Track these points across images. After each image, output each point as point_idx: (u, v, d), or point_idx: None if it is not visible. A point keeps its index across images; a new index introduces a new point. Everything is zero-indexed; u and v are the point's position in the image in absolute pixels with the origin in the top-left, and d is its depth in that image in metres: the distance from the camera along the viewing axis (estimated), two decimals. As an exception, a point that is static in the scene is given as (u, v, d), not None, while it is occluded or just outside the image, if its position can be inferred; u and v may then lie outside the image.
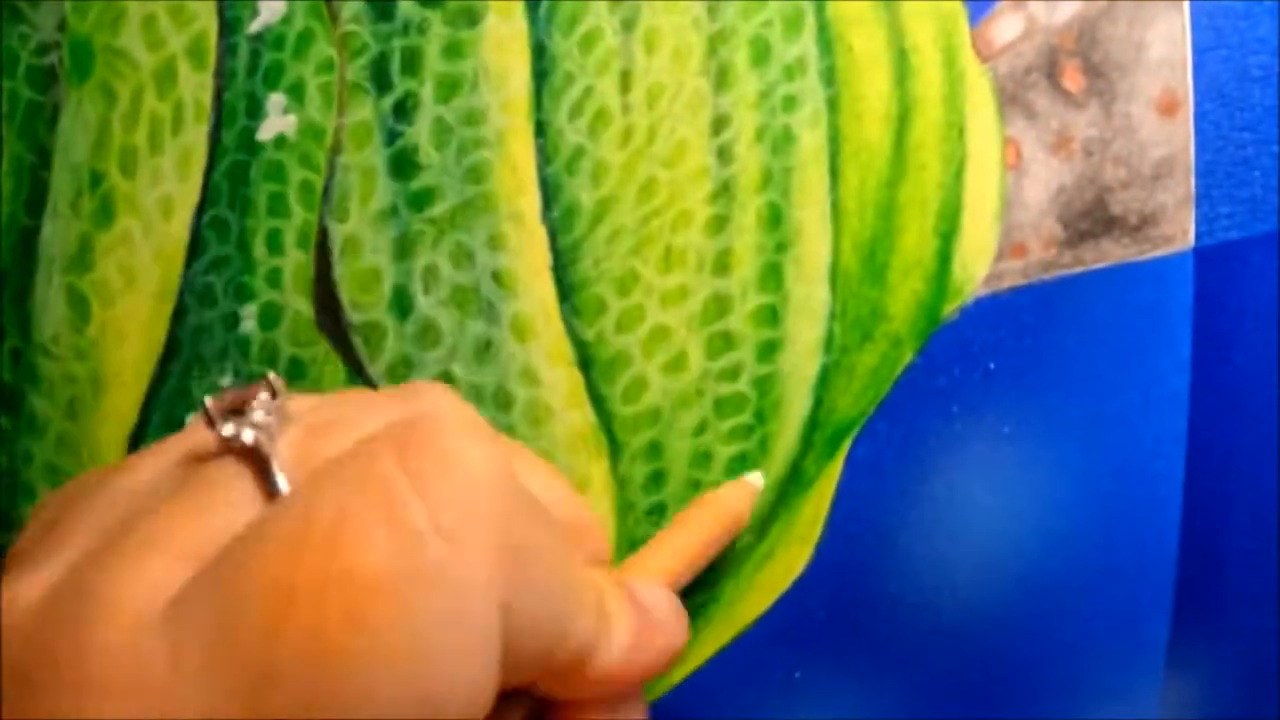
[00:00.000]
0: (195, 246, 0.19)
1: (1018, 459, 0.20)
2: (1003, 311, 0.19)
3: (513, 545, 0.11)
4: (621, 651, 0.14)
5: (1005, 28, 0.20)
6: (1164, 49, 0.20)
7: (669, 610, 0.15)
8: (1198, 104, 0.21)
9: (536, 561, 0.12)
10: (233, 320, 0.19)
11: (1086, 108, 0.20)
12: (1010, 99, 0.20)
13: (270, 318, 0.19)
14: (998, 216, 0.19)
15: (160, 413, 0.20)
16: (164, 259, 0.19)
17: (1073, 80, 0.20)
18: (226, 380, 0.19)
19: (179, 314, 0.19)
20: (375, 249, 0.19)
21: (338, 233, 0.19)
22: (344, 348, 0.19)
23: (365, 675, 0.10)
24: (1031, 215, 0.20)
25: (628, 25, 0.19)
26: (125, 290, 0.19)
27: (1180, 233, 0.20)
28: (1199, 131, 0.21)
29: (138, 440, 0.20)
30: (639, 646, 0.14)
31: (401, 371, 0.19)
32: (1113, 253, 0.20)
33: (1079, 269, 0.20)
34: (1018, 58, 0.20)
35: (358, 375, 0.19)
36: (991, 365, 0.19)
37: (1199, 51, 0.21)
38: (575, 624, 0.13)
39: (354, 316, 0.19)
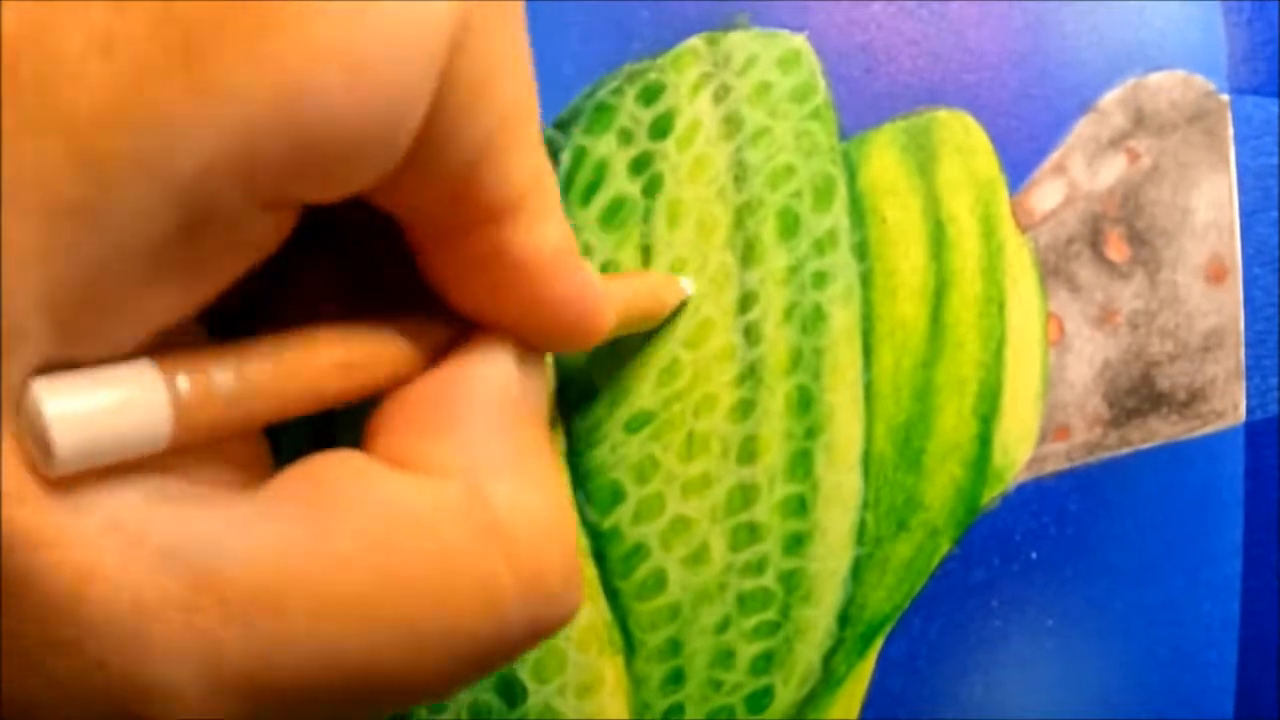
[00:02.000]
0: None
1: (1061, 654, 0.18)
2: (1045, 498, 0.18)
3: None
4: (550, 249, 0.11)
5: (1046, 195, 0.19)
6: (1210, 213, 0.19)
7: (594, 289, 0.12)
8: (1246, 269, 0.20)
9: (518, 32, 0.10)
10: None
11: (1131, 278, 0.19)
12: (1052, 271, 0.18)
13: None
14: (1040, 396, 0.18)
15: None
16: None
17: (1116, 249, 0.19)
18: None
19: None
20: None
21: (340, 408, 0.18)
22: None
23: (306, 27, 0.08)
24: (1076, 394, 0.18)
25: (649, 195, 0.18)
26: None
27: (1230, 407, 0.19)
28: (1248, 299, 0.20)
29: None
30: (562, 268, 0.11)
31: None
32: (1160, 431, 0.19)
33: (1125, 450, 0.19)
34: (1059, 227, 0.19)
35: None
36: (1033, 555, 0.18)
37: (1246, 214, 0.20)
38: (516, 155, 0.10)
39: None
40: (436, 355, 0.11)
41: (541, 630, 0.10)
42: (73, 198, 0.07)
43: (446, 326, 0.11)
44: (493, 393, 0.11)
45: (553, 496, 0.11)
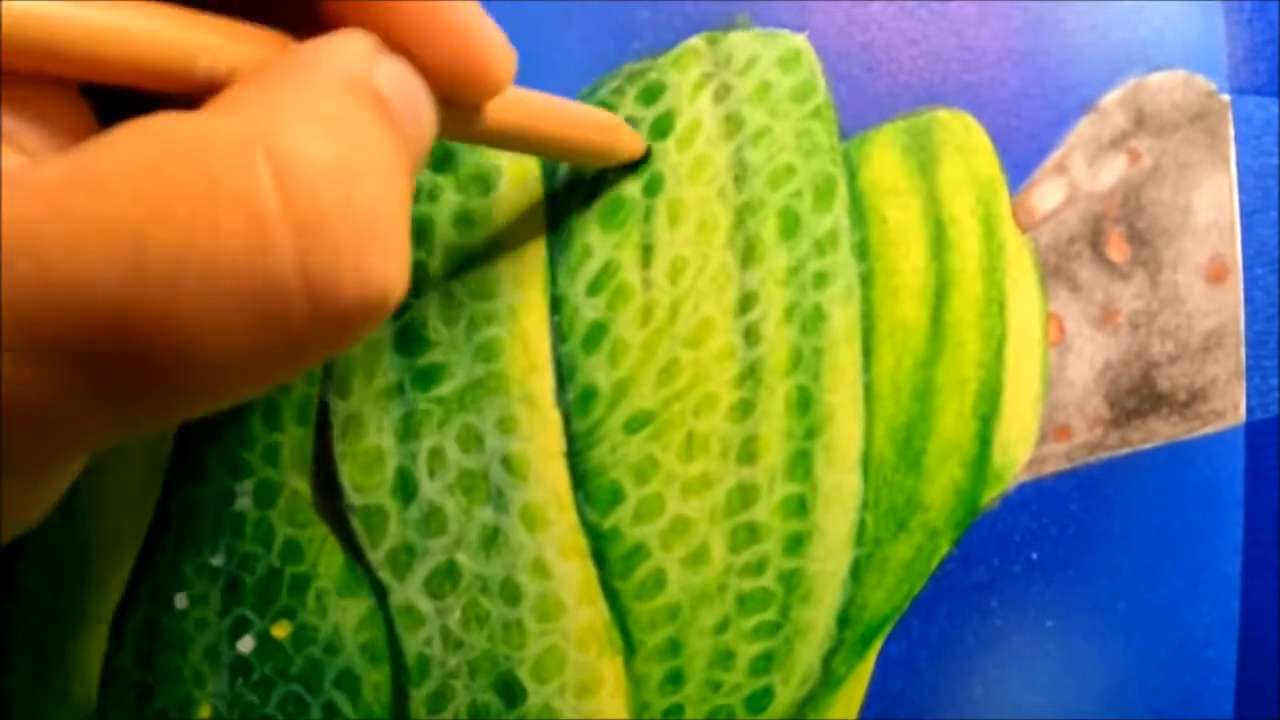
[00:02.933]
0: (189, 420, 0.18)
1: (1061, 655, 0.18)
2: (1046, 498, 0.18)
3: None
4: None
5: (1047, 195, 0.19)
6: (1211, 213, 0.19)
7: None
8: (1247, 269, 0.20)
9: None
10: (227, 497, 0.18)
11: (1132, 278, 0.19)
12: (1053, 271, 0.18)
13: (266, 496, 0.18)
14: (1040, 397, 0.18)
15: (148, 589, 0.18)
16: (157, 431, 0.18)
17: (1117, 249, 0.19)
18: (218, 559, 0.18)
19: (170, 488, 0.18)
20: (379, 428, 0.18)
21: (339, 410, 0.18)
22: (343, 531, 0.18)
23: None
24: (1076, 394, 0.18)
25: (650, 195, 0.18)
26: (116, 461, 0.18)
27: (1231, 408, 0.19)
28: (1249, 299, 0.19)
29: (124, 615, 0.18)
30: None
31: (404, 559, 0.18)
32: (1161, 432, 0.19)
33: (1126, 450, 0.19)
34: (1060, 227, 0.19)
35: (356, 561, 0.18)
36: (1034, 556, 0.18)
37: (1247, 214, 0.20)
38: None
39: (354, 499, 0.18)
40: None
41: (323, 283, 0.09)
42: None
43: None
44: (338, 63, 0.10)
45: (366, 162, 0.10)
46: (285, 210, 0.09)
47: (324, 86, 0.10)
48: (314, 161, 0.09)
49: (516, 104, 0.13)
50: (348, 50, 0.11)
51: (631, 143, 0.17)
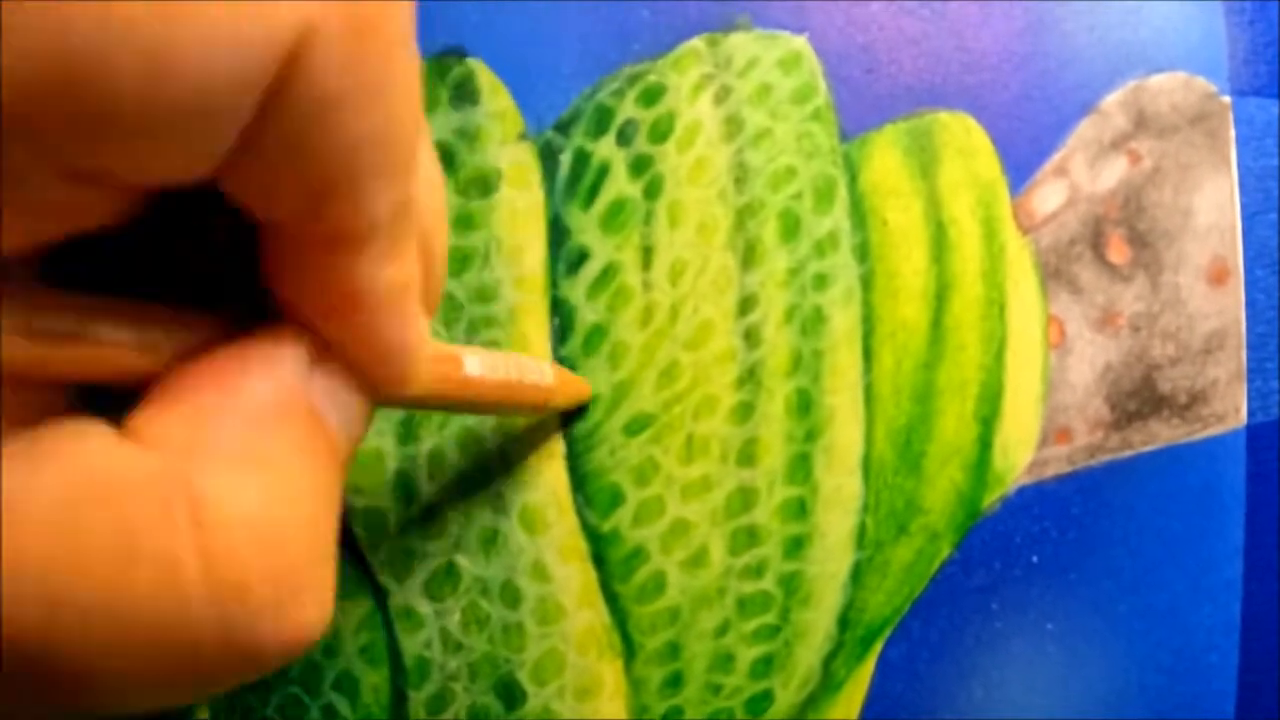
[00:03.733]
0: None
1: (1062, 657, 0.18)
2: (1046, 501, 0.18)
3: (367, 12, 0.09)
4: (385, 291, 0.10)
5: (1047, 197, 0.19)
6: (1212, 215, 0.19)
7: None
8: (1248, 272, 0.20)
9: (385, 63, 0.09)
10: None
11: (1133, 280, 0.19)
12: (1053, 273, 0.18)
13: (262, 498, 0.18)
14: (1041, 399, 0.18)
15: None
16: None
17: (1118, 251, 0.19)
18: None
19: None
20: (378, 431, 0.17)
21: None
22: (342, 533, 0.18)
23: None
24: (1077, 397, 0.18)
25: (650, 197, 0.18)
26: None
27: (1232, 410, 0.19)
28: (1250, 301, 0.19)
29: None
30: (391, 314, 0.10)
31: (403, 561, 0.18)
32: (1161, 434, 0.19)
33: (1126, 453, 0.19)
34: (1061, 229, 0.19)
35: (356, 563, 0.18)
36: (1034, 559, 0.18)
37: (1248, 216, 0.20)
38: (374, 186, 0.10)
39: (354, 501, 0.18)
40: (216, 344, 0.11)
41: (240, 641, 0.10)
42: None
43: (233, 319, 0.11)
44: (270, 385, 0.10)
45: (281, 509, 0.10)
46: (205, 572, 0.09)
47: (255, 412, 0.10)
48: (237, 517, 0.09)
49: (441, 381, 0.13)
50: (284, 366, 0.10)
51: (575, 393, 0.17)
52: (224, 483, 0.10)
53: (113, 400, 0.10)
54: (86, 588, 0.09)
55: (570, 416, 0.17)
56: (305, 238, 0.10)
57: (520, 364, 0.15)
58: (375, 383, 0.11)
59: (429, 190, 0.12)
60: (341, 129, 0.09)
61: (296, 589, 0.10)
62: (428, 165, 0.12)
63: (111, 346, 0.10)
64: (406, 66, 0.10)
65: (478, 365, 0.13)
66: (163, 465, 0.09)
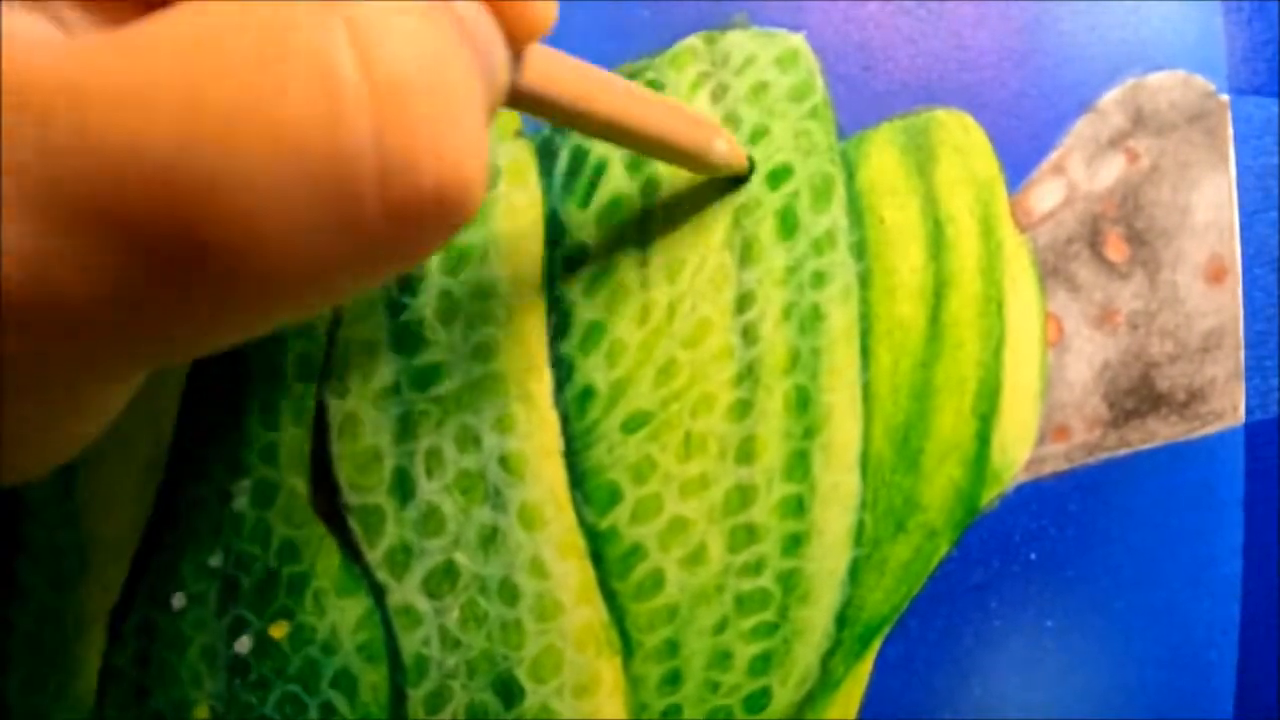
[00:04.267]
0: (187, 418, 0.18)
1: (1061, 655, 0.18)
2: (1045, 499, 0.18)
3: None
4: None
5: (1045, 195, 0.19)
6: (1210, 213, 0.19)
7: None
8: (1246, 270, 0.20)
9: None
10: (224, 496, 0.18)
11: (1131, 278, 0.19)
12: (1051, 271, 0.18)
13: (264, 496, 0.18)
14: (1039, 397, 0.18)
15: (145, 589, 0.18)
16: (154, 429, 0.18)
17: (1116, 249, 0.19)
18: (216, 560, 0.18)
19: (168, 487, 0.18)
20: (376, 428, 0.18)
21: (337, 410, 0.18)
22: (340, 531, 0.18)
23: None
24: (1075, 395, 0.18)
25: (647, 194, 0.18)
26: (114, 459, 0.18)
27: (1230, 408, 0.19)
28: (1249, 299, 0.19)
29: (122, 615, 0.18)
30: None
31: (401, 559, 0.18)
32: (1160, 432, 0.19)
33: (1125, 451, 0.19)
34: (1058, 227, 0.19)
35: (354, 561, 0.18)
36: (1033, 556, 0.18)
37: (1246, 214, 0.20)
38: None
39: (352, 499, 0.18)
40: None
41: (398, 171, 0.08)
42: None
43: None
44: None
45: (447, 40, 0.08)
46: (363, 74, 0.08)
47: None
48: (396, 30, 0.08)
49: (588, 81, 0.12)
50: None
51: (730, 154, 0.16)
52: (381, 6, 0.08)
53: None
54: (231, 93, 0.08)
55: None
56: None
57: (681, 107, 0.14)
58: (515, 27, 0.10)
59: None
60: None
61: (457, 118, 0.08)
62: None
63: None
64: None
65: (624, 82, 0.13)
66: None
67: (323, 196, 0.08)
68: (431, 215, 0.08)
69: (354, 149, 0.08)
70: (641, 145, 0.15)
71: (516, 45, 0.10)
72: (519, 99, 0.12)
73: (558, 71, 0.12)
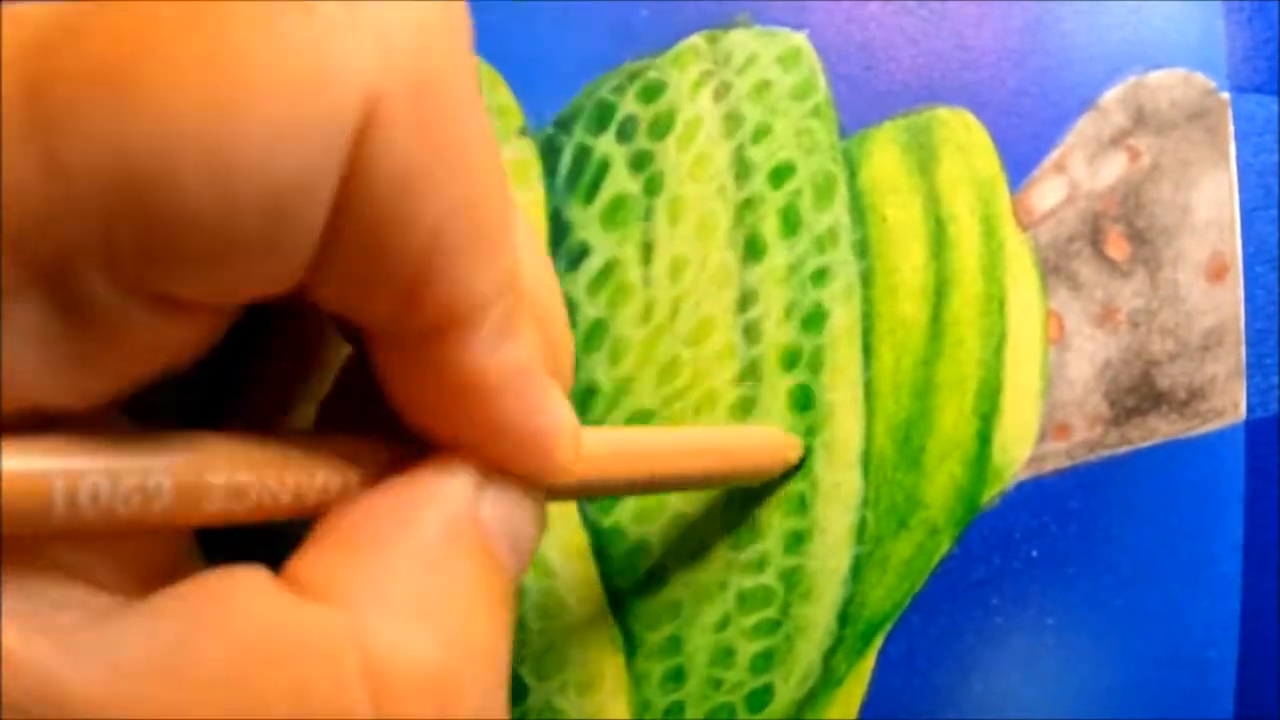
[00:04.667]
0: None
1: (1062, 652, 0.18)
2: (1046, 496, 0.18)
3: (431, 75, 0.08)
4: (506, 369, 0.10)
5: (1046, 193, 0.19)
6: (1211, 211, 0.19)
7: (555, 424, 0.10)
8: (1247, 267, 0.20)
9: (456, 126, 0.09)
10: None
11: (1132, 276, 0.19)
12: (1052, 269, 0.18)
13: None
14: (1040, 395, 0.18)
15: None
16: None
17: (1117, 248, 0.19)
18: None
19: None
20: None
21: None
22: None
23: (162, 101, 0.07)
24: (1076, 392, 0.18)
25: (650, 193, 0.18)
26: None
27: (1231, 406, 0.19)
28: (1249, 297, 0.19)
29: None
30: (519, 392, 0.10)
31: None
32: (1160, 430, 0.19)
33: (1125, 449, 0.19)
34: (1060, 225, 0.19)
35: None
36: (1034, 553, 0.18)
37: (1247, 212, 0.20)
38: (471, 262, 0.09)
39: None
40: (381, 475, 0.10)
41: None
42: None
43: (397, 447, 0.11)
44: (428, 526, 0.10)
45: (466, 652, 0.09)
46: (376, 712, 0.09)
47: (425, 552, 0.09)
48: (413, 671, 0.09)
49: (633, 457, 0.13)
50: (451, 491, 0.10)
51: (786, 452, 0.16)
52: (398, 634, 0.09)
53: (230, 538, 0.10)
54: None
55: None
56: (409, 334, 0.09)
57: (720, 433, 0.15)
58: (531, 476, 0.10)
59: (532, 256, 0.11)
60: (423, 204, 0.08)
61: None
62: (524, 232, 0.11)
63: (281, 487, 0.09)
64: (480, 125, 0.09)
65: (653, 439, 0.13)
66: (333, 621, 0.09)
67: None
68: None
69: None
70: (707, 484, 0.15)
71: (542, 481, 0.11)
72: (572, 494, 0.12)
73: (601, 463, 0.12)
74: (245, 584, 0.09)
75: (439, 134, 0.09)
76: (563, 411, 0.11)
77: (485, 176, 0.09)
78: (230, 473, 0.09)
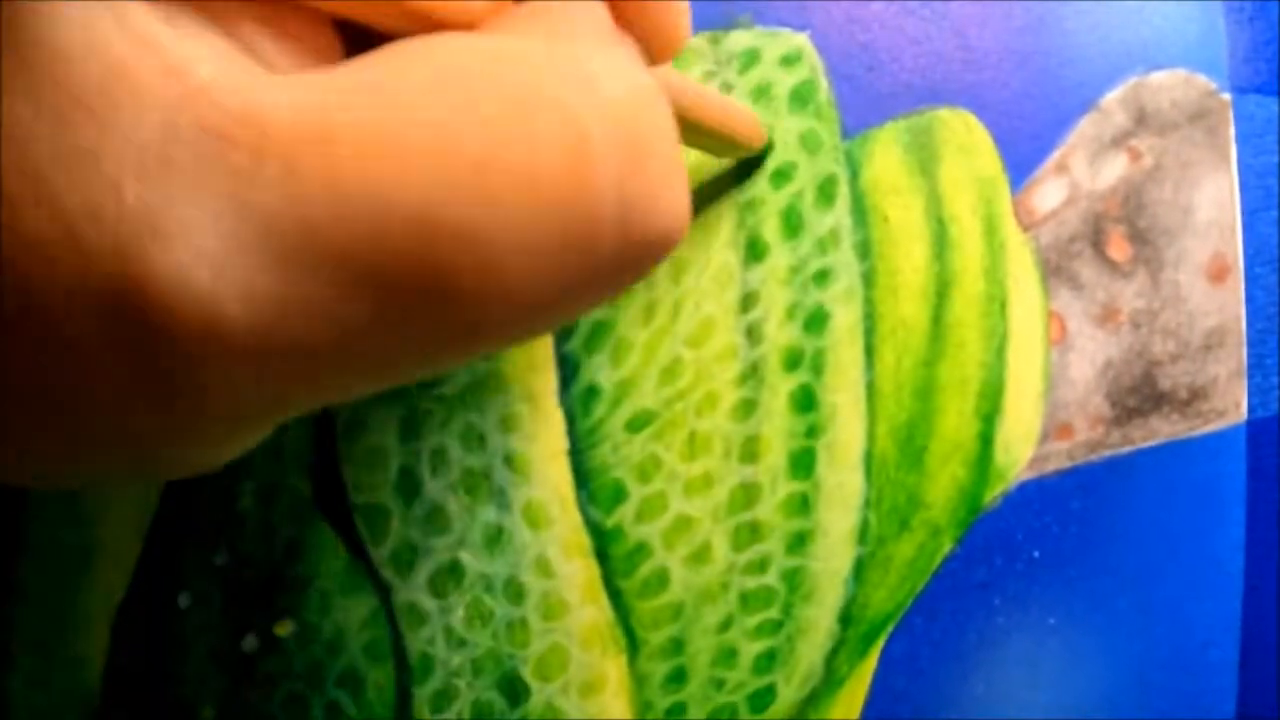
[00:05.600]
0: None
1: (1064, 653, 0.18)
2: (1047, 497, 0.18)
3: None
4: None
5: (1048, 194, 0.19)
6: (1212, 212, 0.19)
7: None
8: (1248, 268, 0.20)
9: None
10: (229, 496, 0.18)
11: (1133, 277, 0.19)
12: (1054, 270, 0.18)
13: (268, 495, 0.18)
14: (1042, 396, 0.18)
15: (150, 588, 0.18)
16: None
17: (1118, 248, 0.19)
18: (221, 559, 0.18)
19: (173, 487, 0.18)
20: (381, 427, 0.18)
21: (341, 409, 0.18)
22: (345, 531, 0.18)
23: None
24: (1078, 393, 0.18)
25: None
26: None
27: (1232, 406, 0.19)
28: (1250, 298, 0.20)
29: (126, 614, 0.18)
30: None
31: (407, 558, 0.18)
32: (1162, 430, 0.19)
33: (1127, 449, 0.19)
34: (1061, 226, 0.19)
35: (359, 560, 0.18)
36: (1035, 554, 0.18)
37: (1248, 213, 0.20)
38: None
39: (357, 498, 0.18)
40: None
41: (636, 219, 0.08)
42: None
43: None
44: (589, 14, 0.09)
45: (656, 98, 0.09)
46: (604, 130, 0.08)
47: (599, 24, 0.09)
48: (627, 89, 0.09)
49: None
50: (597, 12, 0.10)
51: (753, 130, 0.16)
52: (607, 61, 0.09)
53: None
54: (484, 143, 0.08)
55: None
56: None
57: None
58: (653, 50, 0.10)
59: None
60: None
61: (678, 170, 0.09)
62: None
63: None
64: None
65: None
66: (546, 40, 0.09)
67: (568, 242, 0.08)
68: (655, 254, 0.09)
69: (599, 198, 0.08)
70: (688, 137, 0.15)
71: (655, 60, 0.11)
72: None
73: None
74: (442, 35, 0.08)
75: None
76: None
77: None
78: None
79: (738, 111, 0.16)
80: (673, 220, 0.09)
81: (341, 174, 0.07)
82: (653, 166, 0.09)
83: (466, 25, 0.09)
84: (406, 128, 0.07)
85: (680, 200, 0.09)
